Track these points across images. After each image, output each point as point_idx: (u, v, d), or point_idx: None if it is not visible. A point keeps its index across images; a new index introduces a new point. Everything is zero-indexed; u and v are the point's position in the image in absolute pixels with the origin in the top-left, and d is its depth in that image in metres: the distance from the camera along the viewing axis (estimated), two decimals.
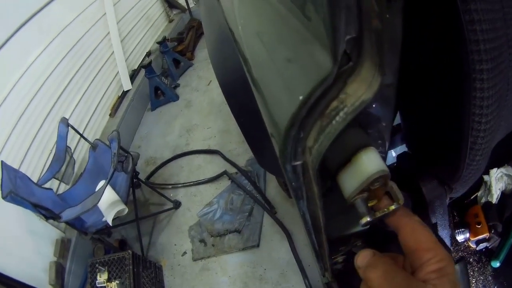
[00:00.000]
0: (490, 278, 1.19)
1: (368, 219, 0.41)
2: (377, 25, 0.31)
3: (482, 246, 1.23)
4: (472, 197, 1.30)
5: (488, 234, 1.19)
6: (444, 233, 0.80)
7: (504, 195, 1.25)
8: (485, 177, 1.26)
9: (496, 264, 1.17)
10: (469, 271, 1.20)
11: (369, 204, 0.42)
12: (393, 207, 0.42)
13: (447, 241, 0.81)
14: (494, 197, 1.24)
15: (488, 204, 1.25)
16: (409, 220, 0.42)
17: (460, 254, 1.24)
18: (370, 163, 0.39)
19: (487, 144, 0.57)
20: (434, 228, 0.78)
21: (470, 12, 0.41)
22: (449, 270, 0.38)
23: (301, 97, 0.33)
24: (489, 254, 1.22)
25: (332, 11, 0.30)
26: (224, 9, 0.93)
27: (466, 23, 0.42)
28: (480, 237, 1.20)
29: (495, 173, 1.24)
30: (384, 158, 0.49)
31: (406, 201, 0.74)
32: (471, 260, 1.22)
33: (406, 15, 0.32)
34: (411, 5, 0.35)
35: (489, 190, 1.27)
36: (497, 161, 1.24)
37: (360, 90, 0.33)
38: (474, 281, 1.19)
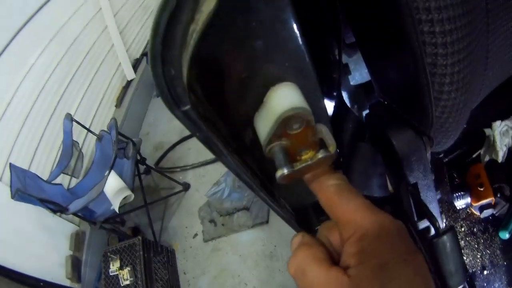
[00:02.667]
0: (498, 252, 1.04)
1: (285, 171, 0.32)
2: None
3: (487, 213, 1.07)
4: (474, 156, 1.15)
5: (493, 198, 1.03)
6: (429, 196, 0.66)
7: (511, 152, 1.09)
8: (487, 131, 1.11)
9: (505, 235, 1.01)
10: (473, 243, 1.07)
11: (303, 157, 0.34)
12: (319, 155, 0.33)
13: (434, 206, 0.66)
14: (500, 155, 1.09)
15: (493, 162, 1.09)
16: (327, 182, 0.34)
17: (461, 223, 1.08)
18: (282, 99, 0.32)
19: (457, 67, 0.44)
20: (415, 189, 0.64)
21: None
22: (374, 252, 0.29)
23: (150, 31, 0.27)
24: (496, 223, 1.07)
25: None
26: None
27: None
28: (484, 202, 1.04)
29: (498, 126, 1.09)
30: (315, 94, 0.40)
31: (375, 158, 0.67)
32: (475, 230, 1.08)
33: None
34: None
35: (493, 147, 1.11)
36: (500, 113, 1.09)
37: (211, 3, 0.27)
38: (479, 256, 1.04)
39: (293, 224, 0.55)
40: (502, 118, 1.10)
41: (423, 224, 0.63)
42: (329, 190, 0.34)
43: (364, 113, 0.73)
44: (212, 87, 0.34)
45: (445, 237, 0.58)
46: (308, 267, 0.31)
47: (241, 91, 0.35)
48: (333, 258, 0.33)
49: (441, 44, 0.39)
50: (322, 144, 0.34)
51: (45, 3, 2.59)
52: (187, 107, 0.31)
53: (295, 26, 0.34)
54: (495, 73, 0.57)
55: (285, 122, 0.31)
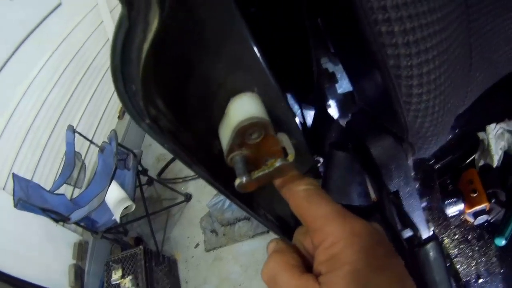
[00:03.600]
0: (494, 259, 1.01)
1: (243, 180, 0.32)
2: None
3: (481, 219, 1.04)
4: (468, 161, 1.10)
5: (487, 204, 1.00)
6: (412, 204, 0.62)
7: (507, 155, 1.05)
8: (481, 135, 1.07)
9: (501, 242, 0.97)
10: (467, 251, 1.03)
11: (269, 165, 0.34)
12: (277, 164, 0.32)
13: (418, 214, 0.64)
14: (495, 159, 1.04)
15: (487, 167, 1.06)
16: (296, 187, 0.34)
17: (454, 230, 1.05)
18: (240, 109, 0.33)
19: (425, 67, 0.40)
20: (396, 197, 0.62)
21: None
22: (345, 259, 0.28)
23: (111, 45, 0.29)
24: (492, 229, 1.03)
25: None
26: None
27: None
28: (478, 208, 1.01)
29: (493, 129, 1.05)
30: (280, 104, 0.39)
31: (353, 167, 0.66)
32: (469, 237, 1.04)
33: None
34: None
35: (487, 151, 1.07)
36: (495, 115, 1.06)
37: (150, 22, 0.28)
38: (474, 264, 1.01)
39: (276, 231, 0.55)
40: (497, 120, 1.06)
41: (407, 233, 0.63)
42: (298, 196, 0.33)
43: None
44: (173, 100, 0.34)
45: (428, 246, 0.59)
46: (279, 274, 0.31)
47: (204, 103, 0.36)
48: (307, 265, 0.32)
49: (402, 44, 0.37)
50: (285, 153, 0.34)
51: (47, 15, 2.64)
52: (148, 121, 0.32)
53: (249, 38, 0.34)
54: (483, 74, 0.54)
55: (242, 132, 0.31)
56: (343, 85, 0.70)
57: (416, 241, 0.61)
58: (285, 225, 0.57)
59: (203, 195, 2.54)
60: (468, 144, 1.13)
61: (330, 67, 0.67)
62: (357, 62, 0.56)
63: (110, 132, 2.16)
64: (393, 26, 0.35)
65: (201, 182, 2.64)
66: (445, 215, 1.03)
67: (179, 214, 2.51)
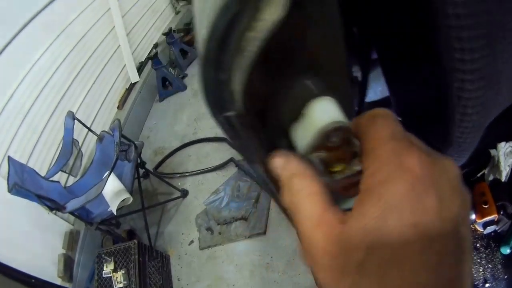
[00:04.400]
0: (499, 266, 1.07)
1: (326, 180, 0.31)
2: None
3: (490, 229, 1.11)
4: (479, 175, 1.17)
5: (496, 215, 1.07)
6: None
7: None
8: (492, 152, 1.15)
9: (506, 250, 1.06)
10: (476, 258, 1.10)
11: (335, 169, 0.33)
12: (357, 168, 0.32)
13: None
14: (503, 175, 1.12)
15: (497, 181, 1.13)
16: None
17: None
18: (322, 113, 0.33)
19: (480, 92, 0.45)
20: None
21: None
22: (378, 196, 0.22)
23: (204, 32, 0.27)
24: (498, 239, 1.11)
25: None
26: None
27: None
28: (487, 218, 1.08)
29: (503, 147, 1.13)
30: (351, 110, 0.41)
31: None
32: (478, 245, 1.11)
33: None
34: None
35: (497, 167, 1.14)
36: (505, 135, 1.12)
37: (275, 12, 0.27)
38: (481, 270, 1.08)
39: None
40: (507, 139, 1.12)
41: None
42: (365, 115, 0.29)
43: None
44: (257, 96, 0.34)
45: None
46: (302, 202, 0.27)
47: (283, 101, 0.36)
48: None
49: (469, 71, 0.40)
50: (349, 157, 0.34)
51: (51, 1, 2.60)
52: (231, 113, 0.31)
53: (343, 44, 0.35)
54: (505, 94, 0.58)
55: (326, 135, 0.31)
56: (370, 95, 0.72)
57: None
58: None
59: (200, 192, 2.51)
60: (480, 160, 1.18)
61: (359, 76, 0.69)
62: (407, 75, 0.57)
63: (113, 121, 2.12)
64: (465, 55, 0.38)
65: (198, 179, 2.61)
66: None
67: (175, 209, 2.47)
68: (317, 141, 0.32)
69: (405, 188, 0.22)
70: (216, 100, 0.30)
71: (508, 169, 1.13)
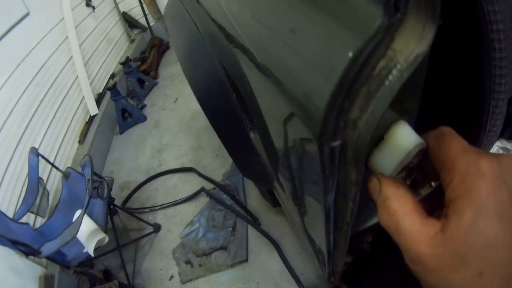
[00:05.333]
0: None
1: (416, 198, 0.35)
2: None
3: None
4: None
5: None
6: None
7: None
8: None
9: None
10: None
11: (420, 188, 0.38)
12: (434, 182, 0.36)
13: None
14: None
15: None
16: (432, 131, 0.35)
17: None
18: (406, 137, 0.34)
19: (505, 107, 0.53)
20: None
21: None
22: (466, 201, 0.28)
23: (350, 54, 0.28)
24: None
25: None
26: (208, 9, 0.89)
27: None
28: None
29: (491, 149, 1.26)
30: None
31: None
32: None
33: None
34: None
35: None
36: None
37: (411, 44, 0.28)
38: None
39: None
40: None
41: None
42: (433, 134, 0.35)
43: None
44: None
45: None
46: (402, 220, 0.32)
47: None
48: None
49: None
50: (423, 173, 0.38)
51: (9, 30, 2.49)
52: (338, 142, 0.32)
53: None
54: None
55: (410, 157, 0.34)
56: None
57: None
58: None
59: (173, 225, 2.47)
60: None
61: None
62: (436, 81, 0.59)
63: (84, 157, 2.05)
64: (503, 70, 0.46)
65: (170, 211, 2.58)
66: None
67: (149, 245, 2.40)
68: (403, 164, 0.34)
69: (486, 189, 0.27)
70: (332, 128, 0.31)
71: None
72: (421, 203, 0.35)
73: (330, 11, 0.33)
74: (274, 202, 1.81)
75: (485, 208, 0.27)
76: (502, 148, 1.25)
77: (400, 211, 0.32)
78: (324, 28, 0.33)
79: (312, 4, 0.36)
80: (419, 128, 0.37)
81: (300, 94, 0.36)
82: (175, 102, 3.69)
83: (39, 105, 2.60)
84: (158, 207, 2.64)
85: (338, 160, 0.35)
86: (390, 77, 0.28)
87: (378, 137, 0.36)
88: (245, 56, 0.57)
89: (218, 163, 2.74)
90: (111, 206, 2.31)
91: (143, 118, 3.58)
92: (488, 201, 0.27)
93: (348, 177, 0.37)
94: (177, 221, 2.49)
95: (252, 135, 1.01)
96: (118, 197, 2.76)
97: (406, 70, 0.28)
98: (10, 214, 1.91)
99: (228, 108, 0.98)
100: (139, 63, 4.06)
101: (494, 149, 1.23)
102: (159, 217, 2.57)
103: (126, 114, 3.51)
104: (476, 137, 0.59)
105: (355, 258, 0.93)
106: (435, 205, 0.35)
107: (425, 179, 0.37)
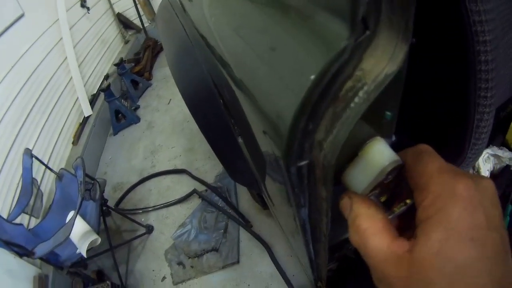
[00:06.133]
0: None
1: (388, 217, 0.34)
2: None
3: None
4: None
5: None
6: None
7: (493, 175, 1.28)
8: None
9: None
10: None
11: (394, 207, 0.36)
12: (409, 200, 0.35)
13: None
14: None
15: None
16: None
17: None
18: (381, 154, 0.34)
19: (491, 120, 0.52)
20: None
21: None
22: (438, 220, 0.27)
23: (312, 77, 0.27)
24: None
25: None
26: (193, 18, 0.89)
27: None
28: None
29: (482, 154, 1.25)
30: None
31: None
32: None
33: None
34: None
35: (478, 173, 1.28)
36: None
37: (382, 63, 0.26)
38: None
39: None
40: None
41: None
42: (409, 151, 0.34)
43: None
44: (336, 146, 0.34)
45: None
46: (370, 239, 0.31)
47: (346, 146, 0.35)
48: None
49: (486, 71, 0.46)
50: (398, 190, 0.37)
51: (4, 31, 2.50)
52: (305, 162, 0.32)
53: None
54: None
55: (385, 173, 0.33)
56: None
57: None
58: None
59: (165, 226, 2.51)
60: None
61: None
62: (421, 92, 0.61)
63: (76, 159, 2.07)
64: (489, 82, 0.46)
65: (162, 213, 2.61)
66: None
67: (142, 246, 2.43)
68: (378, 181, 0.34)
69: (458, 212, 0.26)
70: (298, 149, 0.32)
71: (487, 173, 1.28)
72: (397, 221, 0.36)
73: (302, 30, 0.32)
74: (264, 204, 1.84)
75: (457, 231, 0.26)
76: (493, 155, 1.28)
77: (369, 230, 0.32)
78: (295, 47, 0.33)
79: (287, 23, 0.35)
80: (404, 141, 0.40)
81: (271, 113, 0.36)
82: (169, 103, 3.72)
83: (33, 107, 2.61)
84: (150, 209, 2.66)
85: (308, 178, 0.35)
86: (356, 99, 0.27)
87: (353, 153, 0.35)
88: (224, 69, 0.57)
89: (210, 165, 2.78)
90: (104, 208, 2.34)
91: (137, 120, 3.61)
92: (461, 224, 0.26)
93: (318, 194, 0.37)
94: (170, 223, 2.52)
95: (240, 140, 1.02)
96: (111, 198, 2.79)
97: (373, 91, 0.27)
98: (4, 215, 1.92)
99: (216, 114, 0.99)
100: (133, 64, 4.08)
101: (485, 156, 1.26)
102: (151, 218, 2.61)
103: (119, 115, 3.53)
104: (460, 150, 0.59)
105: (340, 265, 0.95)
106: (410, 223, 0.33)
107: (401, 196, 0.36)
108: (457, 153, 0.59)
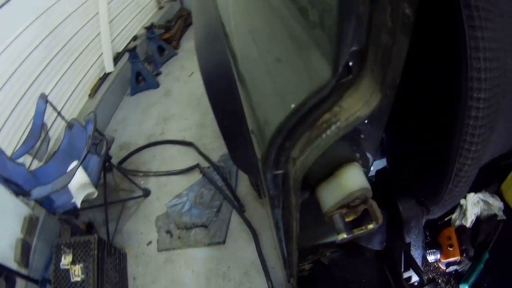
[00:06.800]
0: None
1: (345, 236, 0.39)
2: (387, 40, 0.28)
3: (452, 268, 1.28)
4: (446, 219, 1.34)
5: (459, 257, 1.23)
6: (417, 253, 0.83)
7: (478, 220, 1.30)
8: (462, 201, 1.30)
9: (465, 287, 1.20)
10: None
11: (346, 220, 0.40)
12: (371, 226, 0.39)
13: (419, 261, 0.83)
14: (469, 221, 1.29)
15: (462, 227, 1.30)
16: None
17: (429, 274, 1.29)
18: (352, 179, 0.37)
19: (473, 172, 0.55)
20: (407, 247, 0.80)
21: (476, 39, 0.40)
22: None
23: (293, 105, 0.31)
24: (458, 277, 1.27)
25: (341, 19, 0.27)
26: (218, 3, 0.92)
27: (470, 50, 0.40)
28: (451, 259, 1.25)
29: (472, 197, 1.28)
30: (367, 174, 0.48)
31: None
32: (439, 281, 1.28)
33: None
34: (418, 26, 0.31)
35: (464, 214, 1.31)
36: (474, 186, 1.27)
37: (357, 106, 0.30)
38: None
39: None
40: (476, 191, 1.28)
41: (407, 274, 0.79)
42: None
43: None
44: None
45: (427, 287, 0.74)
46: None
47: (322, 163, 0.39)
48: None
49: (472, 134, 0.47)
50: (366, 214, 0.41)
51: None
52: (280, 171, 0.36)
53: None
54: (487, 158, 0.65)
55: (352, 197, 0.37)
56: None
57: (417, 283, 0.80)
58: None
59: (162, 193, 2.54)
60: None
61: None
62: (409, 132, 0.65)
63: (89, 113, 2.11)
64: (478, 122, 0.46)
65: (162, 180, 2.64)
66: (427, 261, 1.26)
67: (135, 208, 2.48)
68: (344, 202, 0.38)
69: None
70: (274, 160, 0.35)
71: (473, 216, 1.30)
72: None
73: (301, 57, 0.36)
74: (260, 193, 1.84)
75: None
76: (483, 201, 1.27)
77: None
78: (293, 68, 0.36)
79: (293, 43, 0.39)
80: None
81: (260, 116, 0.39)
82: (190, 76, 3.72)
83: (56, 54, 2.66)
84: (152, 174, 2.70)
85: (282, 185, 0.39)
86: (328, 132, 0.31)
87: (330, 172, 0.39)
88: (232, 59, 0.60)
89: (218, 144, 2.78)
90: (107, 164, 2.38)
91: (156, 85, 3.63)
92: None
93: (290, 200, 0.40)
94: (167, 191, 2.55)
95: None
96: (116, 156, 2.83)
97: (343, 128, 0.31)
98: (9, 153, 1.98)
99: (228, 95, 1.00)
100: (163, 30, 4.08)
101: (475, 199, 1.26)
102: (151, 183, 2.64)
103: (140, 77, 3.56)
104: (437, 191, 0.61)
105: (313, 268, 0.96)
106: None
107: (364, 221, 0.40)
108: (435, 193, 0.62)
